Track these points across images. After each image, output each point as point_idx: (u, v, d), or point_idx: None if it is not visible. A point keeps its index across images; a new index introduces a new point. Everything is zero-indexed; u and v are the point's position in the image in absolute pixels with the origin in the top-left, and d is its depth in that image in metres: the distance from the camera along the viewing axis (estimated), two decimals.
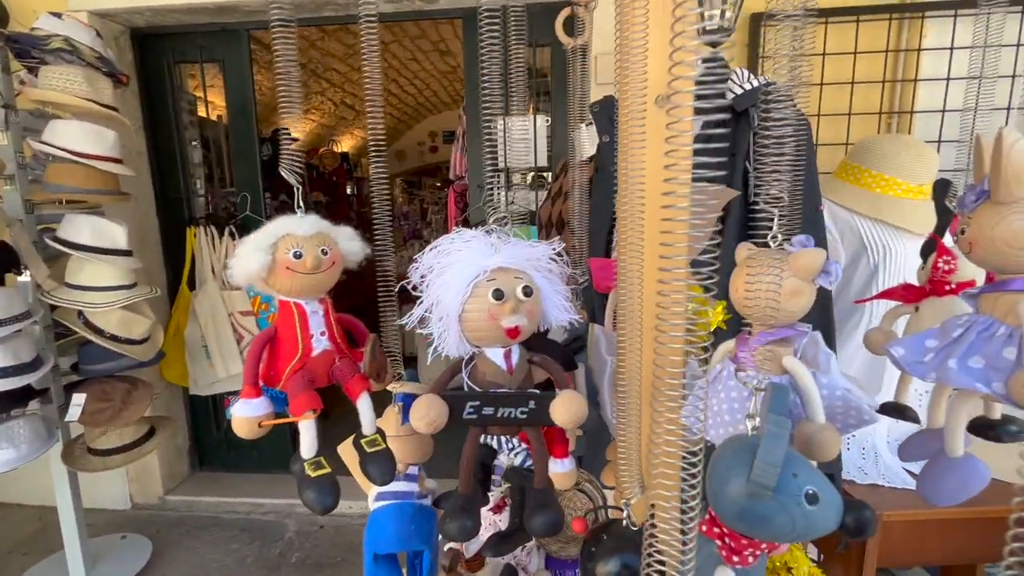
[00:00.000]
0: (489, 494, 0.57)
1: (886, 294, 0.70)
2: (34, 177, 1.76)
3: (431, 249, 0.40)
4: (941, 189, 0.54)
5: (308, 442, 0.42)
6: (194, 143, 2.64)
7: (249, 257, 0.43)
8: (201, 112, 2.75)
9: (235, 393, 2.38)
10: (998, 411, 0.47)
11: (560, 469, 0.35)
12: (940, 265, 0.61)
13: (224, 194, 2.84)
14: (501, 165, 0.84)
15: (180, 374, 2.36)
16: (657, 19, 0.33)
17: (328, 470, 0.45)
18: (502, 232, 0.38)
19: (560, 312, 0.37)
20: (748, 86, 0.93)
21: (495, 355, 0.37)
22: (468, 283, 0.35)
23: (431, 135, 6.60)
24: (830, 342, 1.01)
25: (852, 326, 1.27)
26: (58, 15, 1.68)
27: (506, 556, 0.63)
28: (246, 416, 0.39)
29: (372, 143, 0.42)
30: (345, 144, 6.01)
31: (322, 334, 0.43)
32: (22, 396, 1.71)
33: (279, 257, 0.43)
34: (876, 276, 1.23)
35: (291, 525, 2.28)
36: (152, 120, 2.36)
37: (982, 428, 0.48)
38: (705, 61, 1.07)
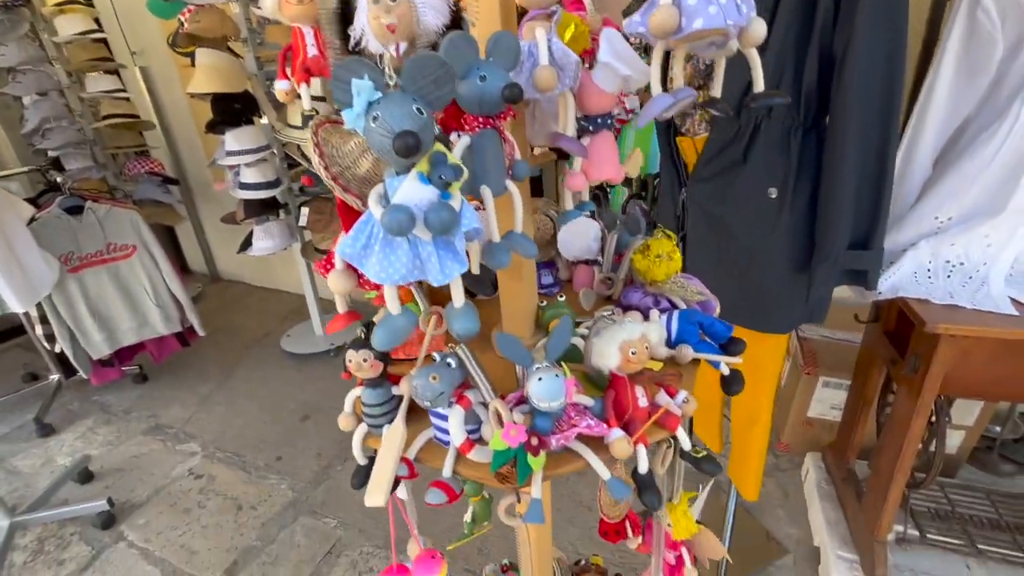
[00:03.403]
0: None
1: None
2: (260, 40, 2.32)
3: None
4: None
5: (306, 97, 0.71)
6: None
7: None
8: None
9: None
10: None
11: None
12: None
13: None
14: None
15: None
16: None
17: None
18: None
19: (432, 20, 0.54)
20: None
21: (391, 49, 0.56)
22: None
23: None
24: (889, 122, 0.91)
25: (990, 134, 1.06)
26: None
27: None
28: (282, 89, 0.72)
29: None
30: None
31: (312, 45, 0.70)
32: (272, 205, 2.48)
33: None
34: None
35: None
36: None
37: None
38: None
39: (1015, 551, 1.32)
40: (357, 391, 0.53)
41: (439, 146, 0.33)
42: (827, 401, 1.75)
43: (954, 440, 1.65)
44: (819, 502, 1.57)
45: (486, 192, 0.43)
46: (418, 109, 0.31)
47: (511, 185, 0.46)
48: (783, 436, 1.90)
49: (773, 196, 1.02)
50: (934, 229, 1.16)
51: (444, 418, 0.48)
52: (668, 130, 1.19)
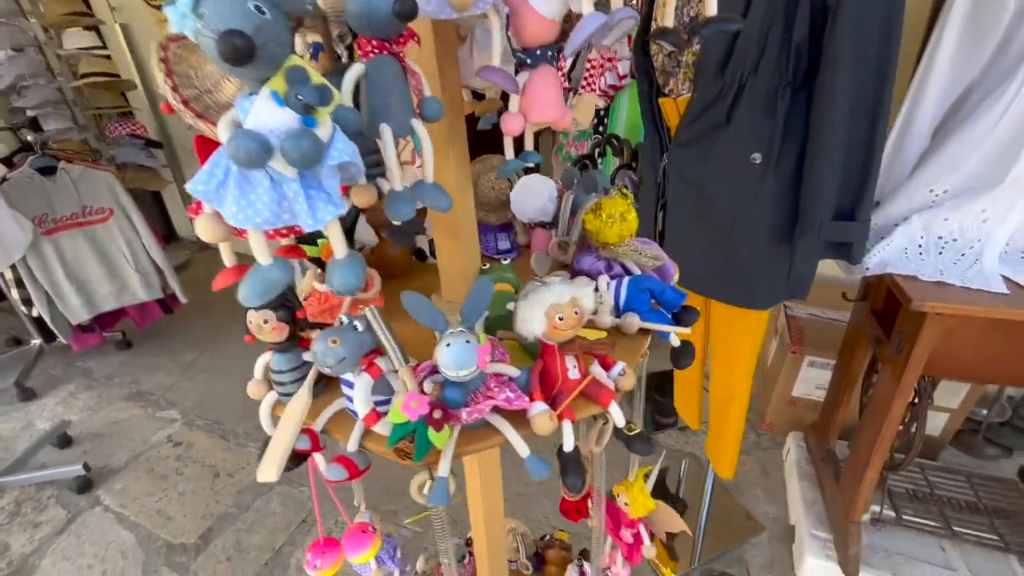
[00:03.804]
0: None
1: None
2: None
3: None
4: None
5: None
6: None
7: None
8: None
9: None
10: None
11: None
12: None
13: None
14: None
15: None
16: None
17: None
18: None
19: None
20: None
21: None
22: None
23: None
24: (883, 83, 0.84)
25: (994, 99, 0.99)
26: None
27: None
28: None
29: None
30: None
31: None
32: None
33: None
34: None
35: None
36: None
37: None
38: None
39: (990, 534, 1.30)
40: (267, 356, 0.49)
41: (297, 59, 0.28)
42: (812, 381, 1.71)
43: (938, 422, 1.62)
44: (798, 481, 1.55)
45: (385, 131, 0.37)
46: (257, 7, 0.25)
47: (418, 125, 0.40)
48: (767, 415, 1.87)
49: (757, 161, 0.95)
50: (928, 203, 1.10)
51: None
52: (650, 91, 1.11)
